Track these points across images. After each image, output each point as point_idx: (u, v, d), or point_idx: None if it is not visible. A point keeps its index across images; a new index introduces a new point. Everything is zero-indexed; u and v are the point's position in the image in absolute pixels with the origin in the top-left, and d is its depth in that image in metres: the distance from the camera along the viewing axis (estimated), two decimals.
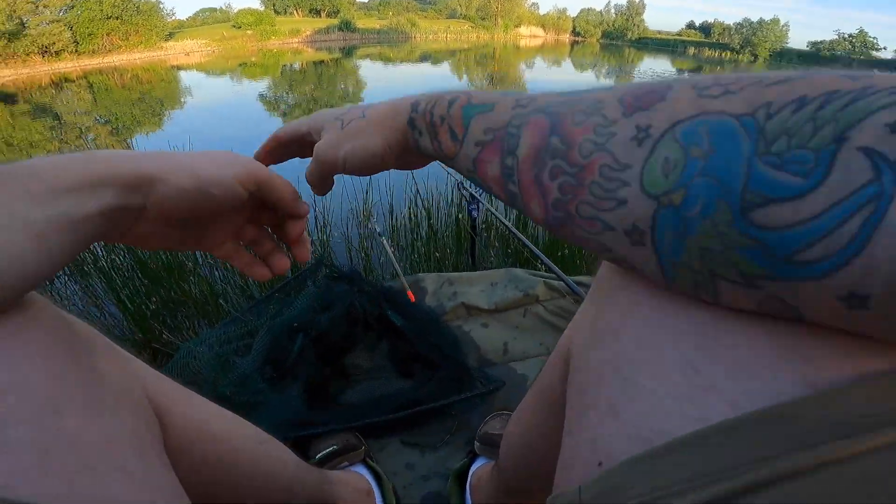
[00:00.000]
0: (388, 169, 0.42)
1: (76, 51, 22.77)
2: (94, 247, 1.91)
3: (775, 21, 50.04)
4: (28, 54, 19.73)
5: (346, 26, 46.90)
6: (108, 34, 24.78)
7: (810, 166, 0.18)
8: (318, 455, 0.78)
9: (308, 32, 43.53)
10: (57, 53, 21.43)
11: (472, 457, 0.82)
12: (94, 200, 0.29)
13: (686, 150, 0.21)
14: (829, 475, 0.18)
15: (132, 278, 1.59)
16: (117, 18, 24.95)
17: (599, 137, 0.25)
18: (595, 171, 0.24)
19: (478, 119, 0.32)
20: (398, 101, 0.39)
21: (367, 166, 0.40)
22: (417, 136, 0.37)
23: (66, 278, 1.70)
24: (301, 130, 0.45)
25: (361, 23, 50.01)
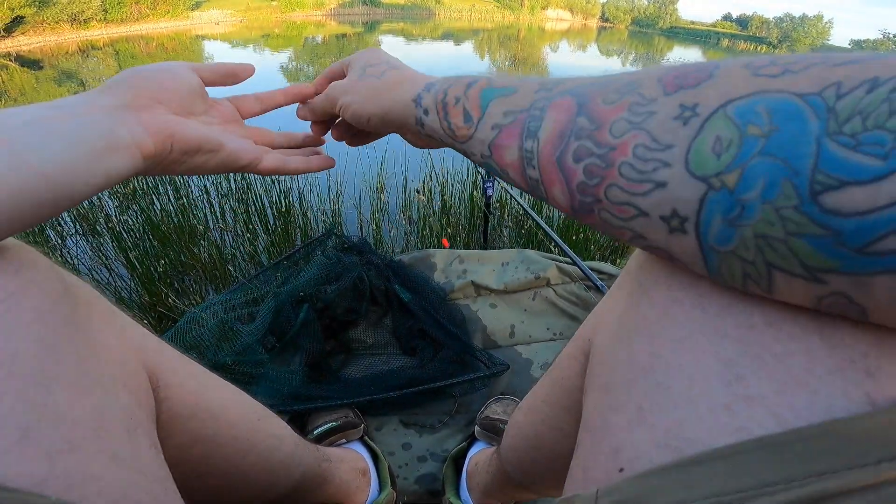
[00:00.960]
0: (375, 134, 0.45)
1: (105, 19, 22.91)
2: (107, 206, 1.92)
3: (818, 17, 48.39)
4: (57, 22, 19.90)
5: (371, 0, 46.41)
6: (136, 2, 24.86)
7: (889, 148, 0.16)
8: (316, 430, 0.77)
9: (332, 5, 43.22)
10: (85, 21, 21.59)
11: (471, 441, 0.80)
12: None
13: (742, 128, 0.19)
14: (886, 495, 0.16)
15: (143, 240, 1.60)
16: None
17: (635, 116, 0.23)
18: (628, 152, 0.22)
19: (497, 102, 0.30)
20: (416, 76, 0.40)
21: (355, 123, 0.43)
22: (422, 114, 0.36)
23: (79, 237, 1.71)
24: (342, 62, 0.47)
25: None
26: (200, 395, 0.40)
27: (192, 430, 0.39)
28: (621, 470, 0.23)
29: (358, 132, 0.49)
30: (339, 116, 0.46)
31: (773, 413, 0.19)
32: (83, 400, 0.26)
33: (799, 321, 0.20)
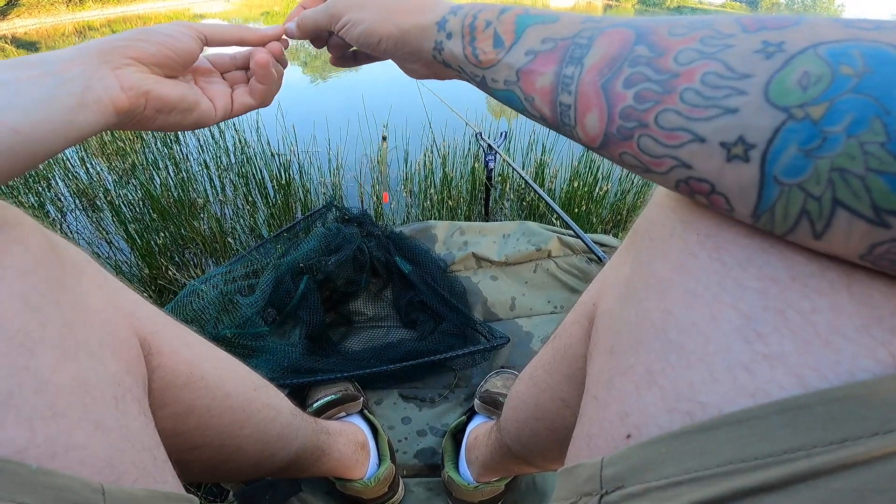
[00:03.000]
0: (381, 57, 0.40)
1: (100, 0, 22.55)
2: (106, 181, 1.91)
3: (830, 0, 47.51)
4: (53, 3, 19.57)
5: None
6: None
7: None
8: (316, 404, 0.77)
9: None
10: (81, 2, 21.23)
11: (471, 415, 0.80)
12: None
13: (834, 66, 0.18)
14: (874, 473, 0.16)
15: (143, 214, 1.59)
16: None
17: (707, 47, 0.22)
18: (694, 78, 0.21)
19: (536, 28, 0.29)
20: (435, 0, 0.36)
21: (362, 44, 0.38)
22: (444, 38, 0.34)
23: (79, 212, 1.70)
24: None
25: None
26: (195, 364, 0.39)
27: (187, 400, 0.39)
28: (628, 437, 0.22)
29: (353, 53, 0.45)
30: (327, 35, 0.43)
31: (796, 374, 0.18)
32: (68, 365, 0.25)
33: (827, 276, 0.19)
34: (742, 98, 0.20)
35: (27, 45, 11.82)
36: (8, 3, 16.77)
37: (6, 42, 12.20)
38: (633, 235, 0.30)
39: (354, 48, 0.45)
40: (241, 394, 0.45)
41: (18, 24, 16.84)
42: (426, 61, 0.37)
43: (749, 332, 0.20)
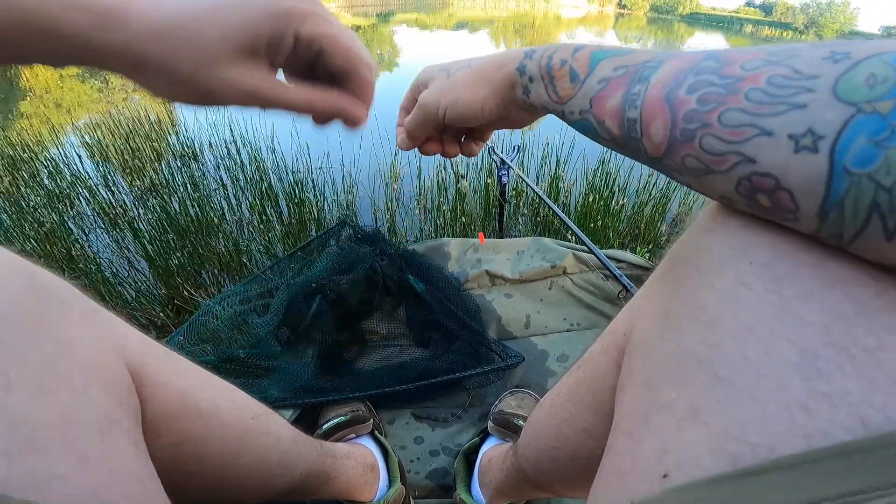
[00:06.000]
0: (487, 121, 0.41)
1: None
2: (126, 201, 1.95)
3: (846, 3, 46.89)
4: None
5: None
6: None
7: None
8: (325, 425, 0.77)
9: None
10: None
11: (484, 436, 0.79)
12: None
13: None
14: None
15: (161, 233, 1.62)
16: None
17: (774, 57, 0.22)
18: (760, 80, 0.22)
19: (610, 60, 0.30)
20: (507, 52, 0.38)
21: (466, 117, 0.40)
22: (527, 82, 0.36)
23: (100, 231, 1.74)
24: (412, 87, 0.46)
25: None
26: (188, 394, 0.39)
27: (181, 430, 0.39)
28: (665, 476, 0.21)
29: (468, 134, 0.47)
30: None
31: (859, 414, 0.17)
32: (45, 401, 0.26)
33: None
34: (810, 95, 0.20)
35: None
36: None
37: None
38: (672, 263, 0.29)
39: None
40: (238, 423, 0.45)
41: None
42: (518, 107, 0.38)
43: (809, 369, 0.19)
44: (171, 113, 3.20)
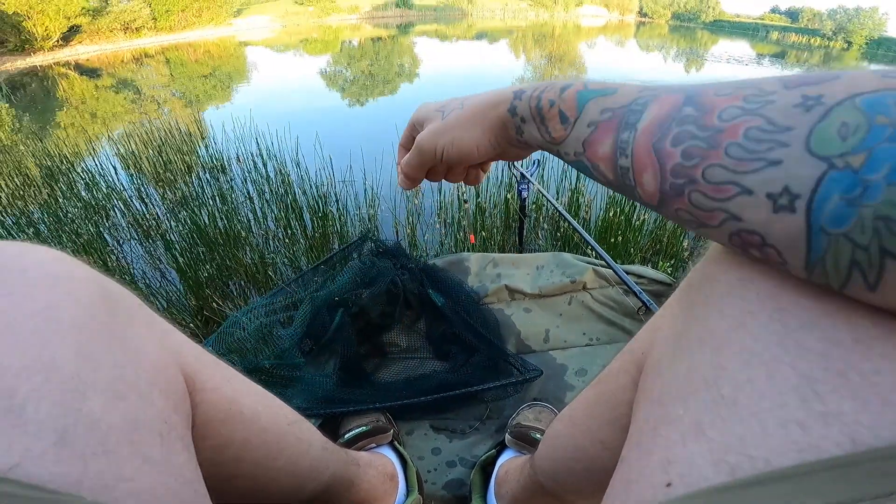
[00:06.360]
0: (483, 160, 0.43)
1: (155, 27, 24.01)
2: (158, 212, 2.02)
3: (874, 9, 45.69)
4: (111, 31, 21.03)
5: (404, 3, 46.81)
6: (182, 11, 25.95)
7: None
8: (347, 435, 0.79)
9: (366, 9, 43.84)
10: (137, 30, 22.71)
11: (501, 448, 0.80)
12: None
13: (870, 116, 0.19)
14: None
15: (192, 245, 1.68)
16: None
17: (750, 104, 0.23)
18: (738, 134, 0.22)
19: (596, 101, 0.31)
20: (499, 91, 0.39)
21: (463, 158, 0.41)
22: (520, 122, 0.37)
23: (133, 242, 1.81)
24: (409, 126, 0.47)
25: None
26: (234, 400, 0.42)
27: (226, 433, 0.41)
28: (669, 485, 0.22)
29: (470, 170, 0.49)
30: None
31: (850, 432, 0.19)
32: (118, 405, 0.27)
33: (892, 339, 0.20)
34: (784, 150, 0.21)
35: (90, 71, 12.55)
36: (70, 30, 18.10)
37: (70, 68, 13.12)
38: (688, 289, 0.30)
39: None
40: (275, 428, 0.47)
41: (81, 51, 18.11)
42: (514, 144, 0.40)
43: (807, 391, 0.20)
44: (201, 124, 3.30)
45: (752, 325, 0.23)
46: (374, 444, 0.79)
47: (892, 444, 0.18)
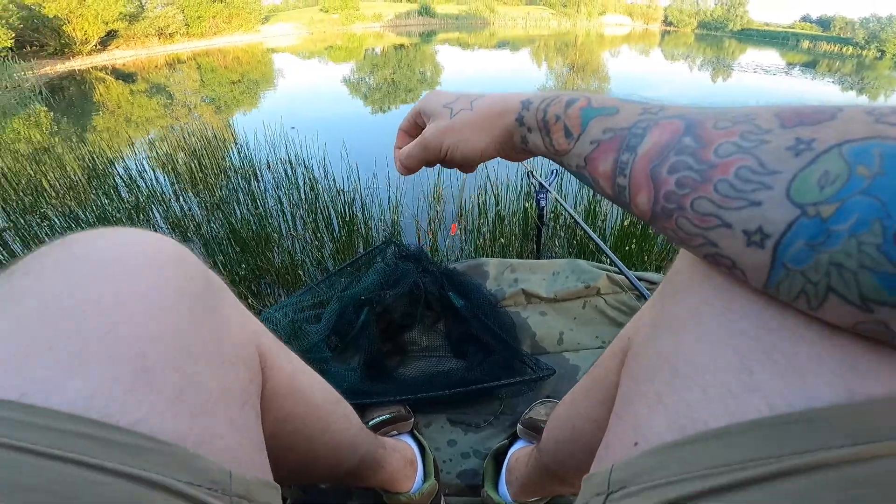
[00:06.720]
0: (485, 161, 0.45)
1: (187, 33, 24.66)
2: (197, 215, 2.13)
3: None
4: (146, 36, 21.71)
5: (426, 11, 47.13)
6: (213, 17, 26.61)
7: None
8: (372, 421, 0.83)
9: (389, 17, 44.25)
10: (170, 35, 23.39)
11: (513, 439, 0.84)
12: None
13: (852, 167, 0.21)
14: (848, 472, 0.20)
15: (227, 246, 1.76)
16: (221, 2, 26.73)
17: (745, 142, 0.25)
18: (729, 171, 0.24)
19: (598, 120, 0.33)
20: (507, 97, 0.41)
21: (466, 159, 0.44)
22: (526, 132, 0.39)
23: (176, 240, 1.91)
24: (413, 112, 0.49)
25: (441, 8, 50.02)
26: (294, 378, 0.45)
27: (287, 408, 0.44)
28: (636, 444, 0.27)
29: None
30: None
31: (768, 401, 0.23)
32: (216, 373, 0.31)
33: (813, 327, 0.23)
34: (766, 193, 0.23)
35: (125, 76, 12.83)
36: (107, 35, 18.72)
37: (107, 73, 13.56)
38: (664, 283, 0.34)
39: None
40: (326, 405, 0.51)
41: (117, 56, 18.68)
42: (518, 150, 0.42)
43: (740, 366, 0.24)
44: (233, 129, 3.41)
45: (706, 313, 0.28)
46: (395, 432, 0.84)
47: (800, 411, 0.22)
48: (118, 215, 2.07)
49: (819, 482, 0.20)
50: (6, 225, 2.17)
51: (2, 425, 0.22)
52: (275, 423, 0.43)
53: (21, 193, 2.28)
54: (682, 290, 0.30)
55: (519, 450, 0.80)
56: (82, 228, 2.00)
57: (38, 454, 0.22)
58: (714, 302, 0.27)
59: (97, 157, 2.73)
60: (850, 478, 0.20)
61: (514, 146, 0.42)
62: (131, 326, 0.27)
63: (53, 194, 2.38)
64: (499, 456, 0.83)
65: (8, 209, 2.18)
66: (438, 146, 0.44)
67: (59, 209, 2.18)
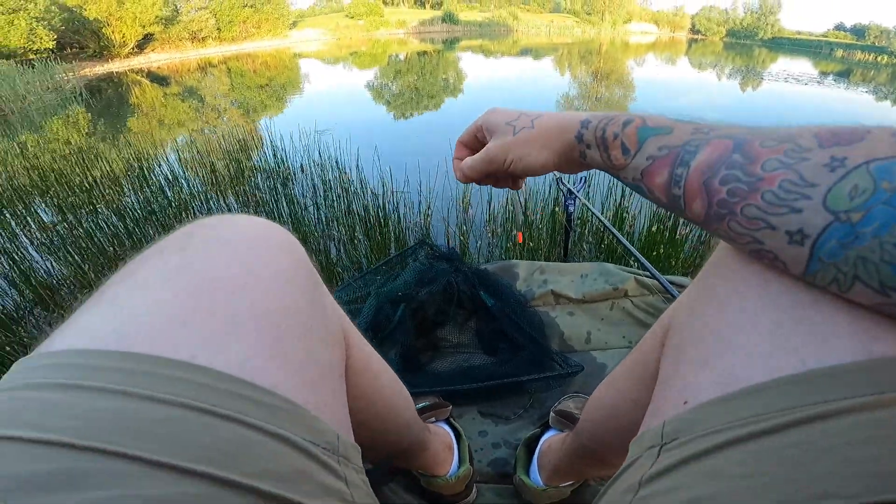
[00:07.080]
0: (543, 174, 0.49)
1: (219, 37, 25.28)
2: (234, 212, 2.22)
3: None
4: (180, 39, 22.36)
5: (450, 18, 47.47)
6: (243, 22, 27.24)
7: None
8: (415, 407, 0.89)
9: (413, 24, 44.64)
10: (203, 39, 24.03)
11: (545, 428, 0.87)
12: None
13: (877, 181, 0.25)
14: (866, 417, 0.24)
15: None
16: (251, 7, 27.37)
17: (789, 159, 0.29)
18: (774, 183, 0.28)
19: (654, 139, 0.37)
20: (566, 116, 0.46)
21: (528, 172, 0.49)
22: (584, 148, 0.43)
23: None
24: (474, 127, 0.54)
25: (464, 15, 50.29)
26: (368, 359, 0.49)
27: (360, 385, 0.47)
28: (685, 402, 0.31)
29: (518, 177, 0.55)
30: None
31: (801, 359, 0.27)
32: (325, 349, 0.35)
33: (839, 304, 0.27)
34: (806, 202, 0.27)
35: (160, 79, 13.16)
36: (144, 38, 19.32)
37: (143, 76, 13.99)
38: (702, 273, 0.39)
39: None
40: (391, 385, 0.55)
41: (153, 59, 19.25)
42: (577, 164, 0.47)
43: (778, 333, 0.28)
44: (270, 132, 3.50)
45: (746, 290, 0.32)
46: (434, 419, 0.88)
47: (829, 366, 0.26)
48: (169, 210, 2.18)
49: (849, 423, 0.24)
50: (57, 220, 2.31)
51: (178, 385, 0.26)
52: (350, 400, 0.47)
53: (76, 190, 2.41)
54: (724, 274, 0.35)
55: (551, 437, 0.83)
56: (125, 223, 2.12)
57: (207, 412, 0.25)
58: (753, 282, 0.32)
59: (143, 158, 2.87)
60: (874, 419, 0.23)
61: (574, 160, 0.46)
62: (269, 300, 0.31)
63: (99, 193, 2.51)
64: (531, 444, 0.87)
65: (62, 204, 2.30)
66: (503, 160, 0.49)
67: (111, 205, 2.30)
